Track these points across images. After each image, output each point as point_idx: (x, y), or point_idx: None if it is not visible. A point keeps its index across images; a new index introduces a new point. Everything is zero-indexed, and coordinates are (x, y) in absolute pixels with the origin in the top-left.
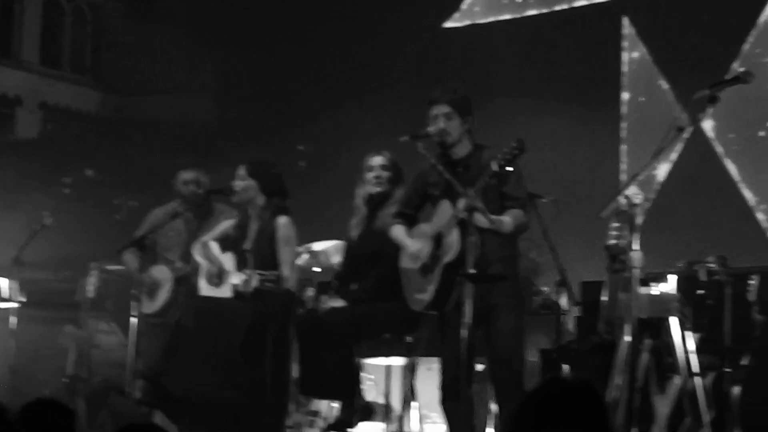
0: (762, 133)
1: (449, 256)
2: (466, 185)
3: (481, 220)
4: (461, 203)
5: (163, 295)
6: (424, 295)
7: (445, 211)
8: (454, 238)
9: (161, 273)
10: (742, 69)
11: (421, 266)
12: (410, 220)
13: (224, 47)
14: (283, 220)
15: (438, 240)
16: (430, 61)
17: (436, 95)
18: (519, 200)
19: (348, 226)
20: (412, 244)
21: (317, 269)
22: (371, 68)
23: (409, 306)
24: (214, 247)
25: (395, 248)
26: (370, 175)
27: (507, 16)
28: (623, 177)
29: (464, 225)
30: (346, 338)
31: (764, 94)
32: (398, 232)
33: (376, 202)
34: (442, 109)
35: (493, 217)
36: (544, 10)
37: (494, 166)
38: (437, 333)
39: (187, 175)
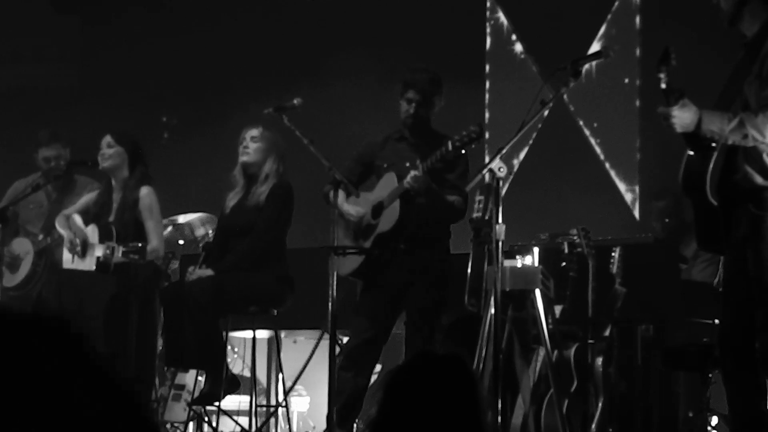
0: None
1: (385, 227)
2: (409, 162)
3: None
4: (410, 176)
5: (24, 268)
6: (353, 262)
7: (389, 181)
8: (394, 210)
9: (22, 246)
10: (603, 44)
11: (352, 233)
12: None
13: (82, 15)
14: (145, 190)
15: (377, 209)
16: (297, 31)
17: (415, 78)
18: (462, 191)
19: (224, 197)
20: (352, 208)
21: (182, 242)
22: (237, 40)
23: (284, 274)
24: (77, 220)
25: (267, 222)
26: (241, 147)
27: None
28: (488, 149)
29: (406, 198)
30: (210, 310)
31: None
32: (337, 197)
33: (249, 175)
34: (417, 96)
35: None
36: None
37: (449, 146)
38: (357, 301)
39: (47, 152)
